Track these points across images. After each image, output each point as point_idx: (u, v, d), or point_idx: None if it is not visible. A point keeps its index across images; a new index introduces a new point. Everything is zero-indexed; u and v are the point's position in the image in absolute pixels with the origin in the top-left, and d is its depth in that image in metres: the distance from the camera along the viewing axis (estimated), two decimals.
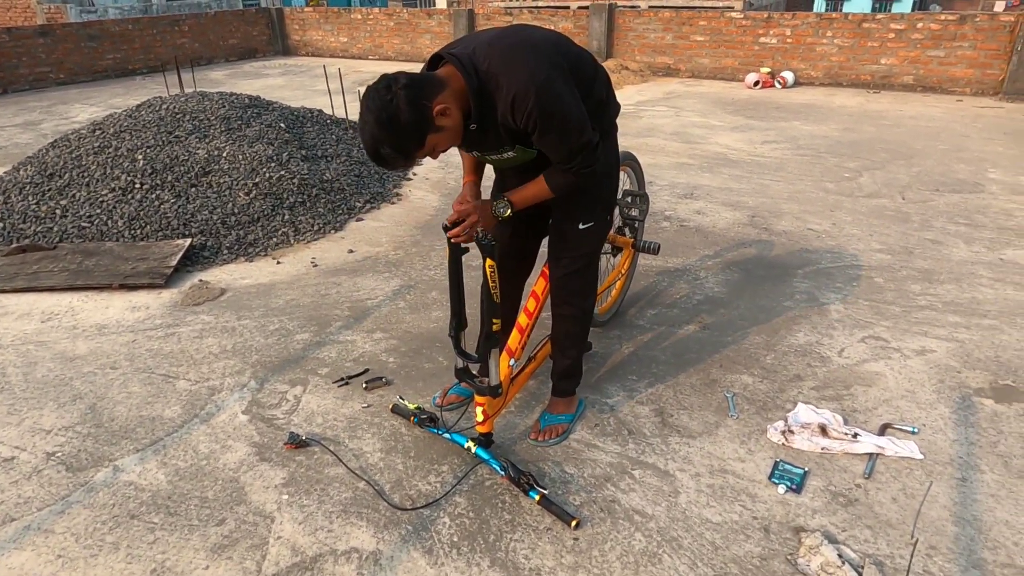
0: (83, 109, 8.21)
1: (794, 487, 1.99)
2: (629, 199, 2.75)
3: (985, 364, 2.59)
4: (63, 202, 4.07)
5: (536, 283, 2.28)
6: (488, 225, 1.89)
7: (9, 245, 3.76)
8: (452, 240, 1.88)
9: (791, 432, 2.19)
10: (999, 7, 29.12)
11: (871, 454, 2.11)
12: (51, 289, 3.35)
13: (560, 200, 2.00)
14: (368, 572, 1.75)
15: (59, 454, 2.21)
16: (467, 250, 1.94)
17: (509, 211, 1.90)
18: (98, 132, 4.64)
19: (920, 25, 8.02)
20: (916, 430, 2.23)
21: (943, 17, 7.95)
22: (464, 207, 1.87)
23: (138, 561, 1.80)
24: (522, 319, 2.24)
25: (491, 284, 1.89)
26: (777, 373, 2.57)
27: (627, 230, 2.81)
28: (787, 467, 2.07)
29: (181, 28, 11.76)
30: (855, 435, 2.16)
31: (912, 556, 1.75)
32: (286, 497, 2.01)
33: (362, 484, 2.05)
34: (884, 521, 1.87)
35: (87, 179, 4.20)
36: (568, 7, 10.81)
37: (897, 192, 4.57)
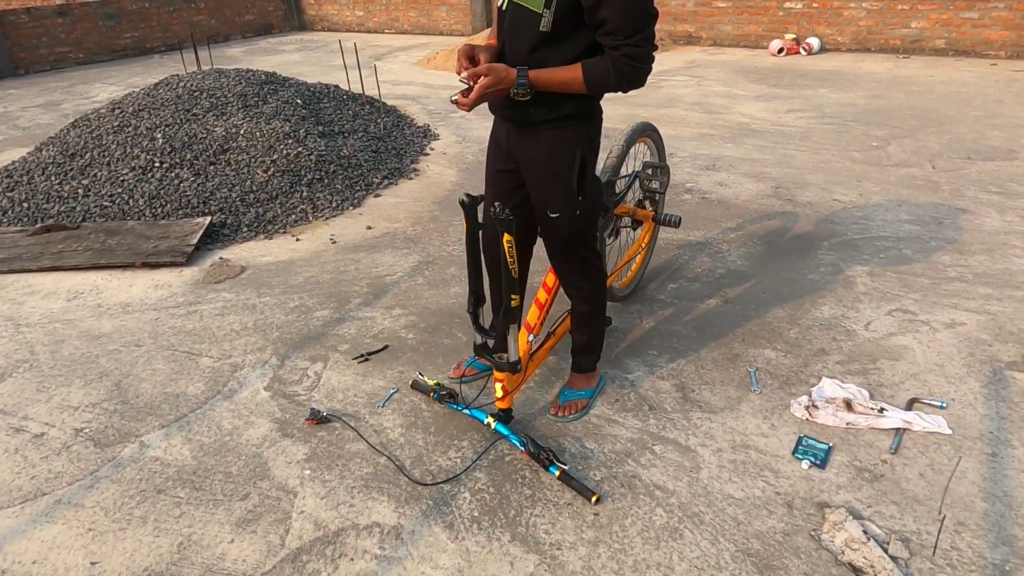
0: (103, 88, 8.26)
1: (818, 462, 1.96)
2: (650, 171, 2.69)
3: (1018, 337, 2.52)
4: (85, 182, 4.10)
5: None
6: (500, 92, 1.71)
7: (34, 225, 3.81)
8: (460, 104, 1.70)
9: (815, 407, 2.16)
10: None
11: (898, 429, 2.07)
12: (76, 268, 3.39)
13: (534, 182, 1.93)
14: (390, 546, 1.76)
15: (87, 430, 2.25)
16: (484, 225, 1.91)
17: (528, 92, 1.69)
18: (117, 111, 4.66)
19: None
20: (945, 404, 2.18)
21: None
22: (478, 68, 1.68)
23: (165, 535, 1.83)
24: (541, 295, 2.22)
25: (509, 259, 1.86)
26: (801, 347, 2.53)
27: (647, 203, 2.76)
28: (811, 442, 2.04)
29: (197, 5, 11.72)
30: (881, 410, 2.12)
31: (940, 532, 1.72)
32: (308, 472, 2.03)
33: (383, 459, 2.06)
34: (911, 497, 1.84)
35: (107, 159, 4.23)
36: None
37: (927, 161, 4.44)
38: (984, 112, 5.50)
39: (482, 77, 1.67)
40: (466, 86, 1.70)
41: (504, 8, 1.78)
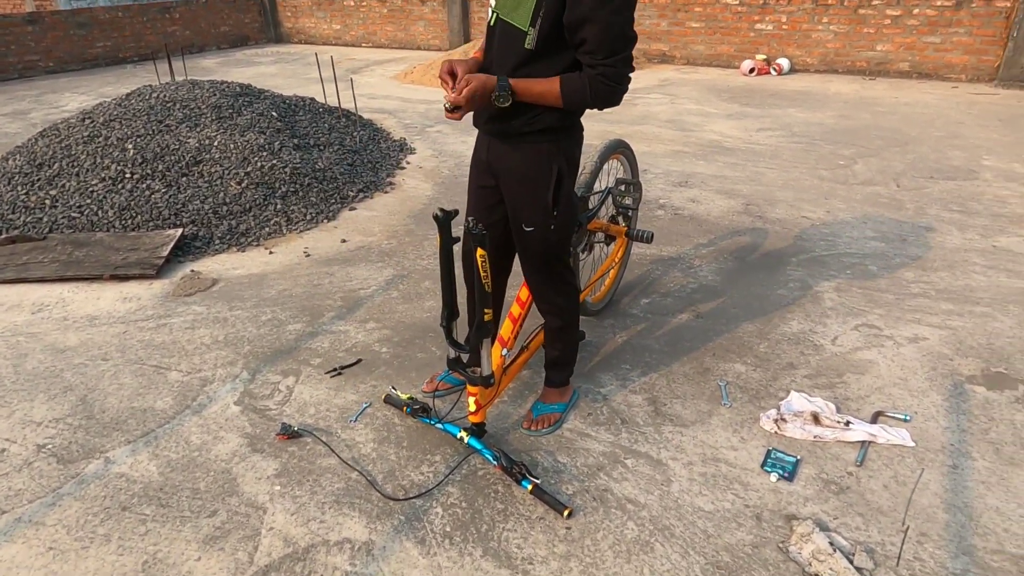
0: (73, 98, 8.13)
1: (786, 475, 2.00)
2: (623, 187, 2.73)
3: (978, 351, 2.60)
4: (53, 192, 4.03)
5: None
6: (481, 103, 1.76)
7: None
8: (450, 105, 1.73)
9: (784, 420, 2.20)
10: None
11: (863, 442, 2.11)
12: (41, 280, 3.32)
13: (510, 195, 1.96)
14: (361, 562, 1.75)
15: (50, 446, 2.20)
16: (458, 239, 1.92)
17: (509, 100, 1.74)
18: (88, 121, 4.59)
19: (916, 11, 7.98)
20: (908, 418, 2.23)
21: (939, 3, 7.90)
22: (460, 84, 1.72)
23: (130, 553, 1.79)
24: (514, 309, 2.23)
25: (482, 274, 1.87)
26: (770, 361, 2.57)
27: (620, 219, 2.79)
28: (780, 455, 2.07)
29: (172, 16, 11.63)
30: (847, 423, 2.17)
31: (903, 543, 1.76)
32: (278, 488, 2.00)
33: (355, 474, 2.05)
34: (875, 508, 1.88)
35: (77, 169, 4.16)
36: None
37: (892, 180, 4.57)
38: (946, 133, 5.68)
39: (466, 87, 1.70)
40: (452, 105, 1.73)
41: (493, 24, 1.81)
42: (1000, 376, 2.45)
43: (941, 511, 1.87)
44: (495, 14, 1.79)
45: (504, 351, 2.17)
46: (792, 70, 8.75)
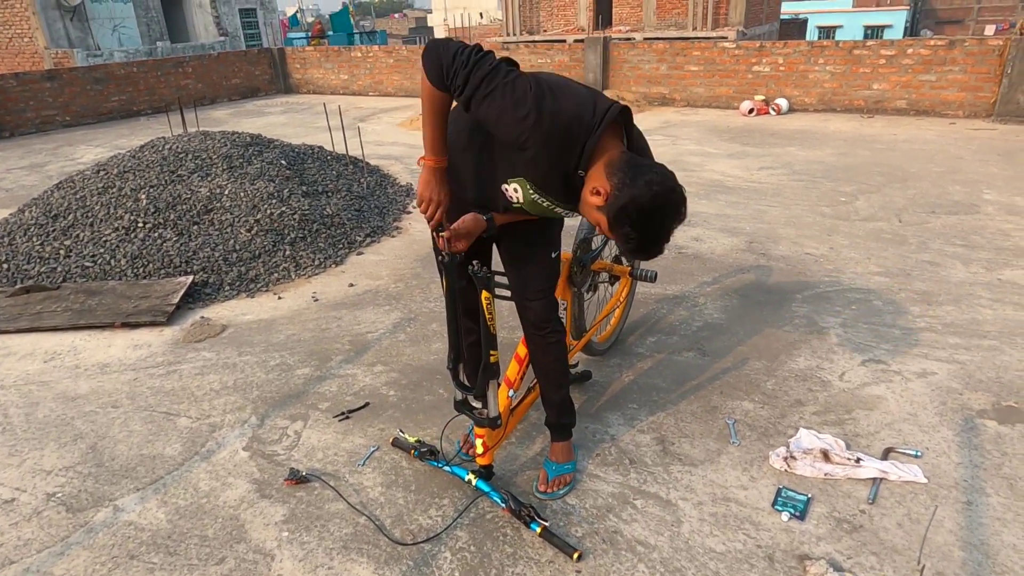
0: (88, 150, 8.34)
1: (798, 514, 1.97)
2: None
3: (987, 385, 2.59)
4: (67, 242, 4.11)
5: None
6: (470, 240, 1.85)
7: (13, 286, 3.79)
8: (443, 246, 1.81)
9: (793, 458, 2.18)
10: (989, 31, 29.58)
11: (875, 479, 2.09)
12: (54, 329, 3.37)
13: (512, 256, 2.05)
14: None
15: (59, 495, 2.21)
16: (464, 283, 1.95)
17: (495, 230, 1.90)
18: (102, 173, 4.71)
19: (910, 51, 8.15)
20: (920, 453, 2.21)
21: (932, 42, 8.08)
22: (467, 222, 1.83)
23: None
24: (520, 350, 2.24)
25: (487, 316, 1.90)
26: (778, 399, 2.57)
27: (624, 259, 2.83)
28: (790, 494, 2.06)
29: (184, 69, 12.00)
30: (858, 460, 2.15)
31: None
32: (286, 534, 2.00)
33: (363, 519, 2.04)
34: (890, 547, 1.85)
35: (91, 219, 4.26)
36: (564, 41, 11.02)
37: (893, 215, 4.60)
38: (946, 168, 5.74)
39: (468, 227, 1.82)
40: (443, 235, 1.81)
41: (518, 204, 1.83)
42: (1011, 410, 2.43)
43: (957, 549, 1.84)
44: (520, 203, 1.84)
45: (511, 392, 2.18)
46: (791, 110, 8.91)
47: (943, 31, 33.45)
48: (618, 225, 1.57)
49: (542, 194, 1.76)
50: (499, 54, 1.71)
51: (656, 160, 1.75)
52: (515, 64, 1.65)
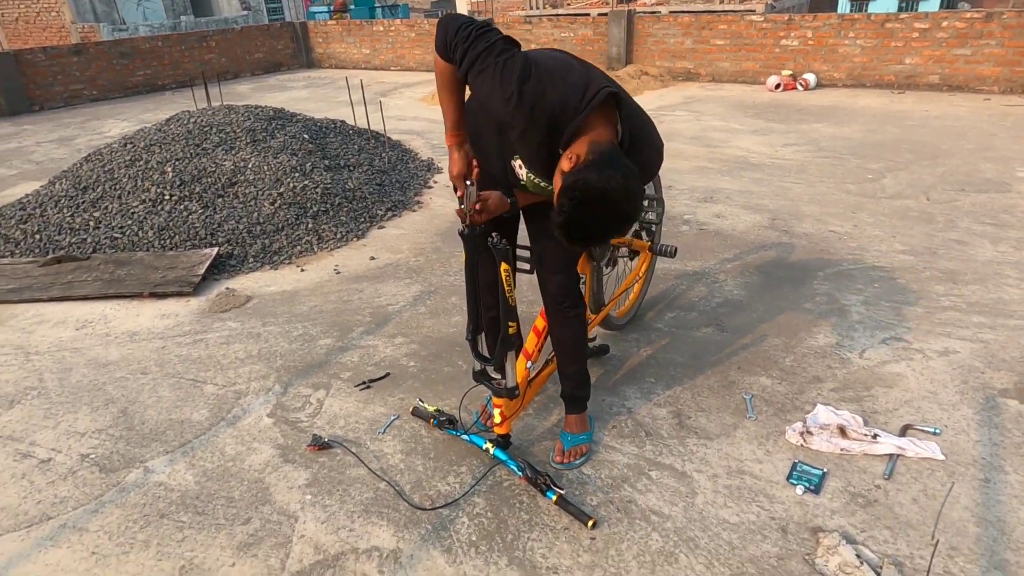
0: (115, 124, 8.46)
1: (812, 488, 1.99)
2: (645, 203, 2.77)
3: (1010, 365, 2.56)
4: (96, 214, 4.20)
5: None
6: (491, 216, 1.88)
7: (46, 256, 3.89)
8: (469, 221, 1.83)
9: (809, 433, 2.19)
10: None
11: (891, 455, 2.10)
12: (85, 298, 3.46)
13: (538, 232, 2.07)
14: (389, 570, 1.79)
15: (93, 456, 2.29)
16: (485, 256, 1.97)
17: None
18: (129, 146, 4.79)
19: (945, 24, 7.90)
20: (938, 431, 2.20)
21: (968, 15, 7.81)
22: (494, 198, 1.86)
23: (168, 558, 1.86)
24: (538, 322, 2.26)
25: (506, 288, 1.92)
26: (796, 375, 2.56)
27: (644, 234, 2.82)
28: (805, 468, 2.07)
29: (208, 44, 12.05)
30: (875, 436, 2.15)
31: (933, 557, 1.74)
32: (309, 497, 2.06)
33: (383, 485, 2.09)
34: (904, 522, 1.86)
35: (119, 192, 4.34)
36: (588, 14, 10.85)
37: (921, 193, 4.52)
38: (977, 145, 5.60)
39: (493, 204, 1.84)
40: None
41: (522, 182, 1.90)
42: None
43: (972, 525, 1.84)
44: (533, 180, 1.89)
45: (529, 363, 2.21)
46: (819, 85, 8.71)
47: (981, 4, 32.28)
48: (563, 194, 1.55)
49: (532, 171, 1.81)
50: (521, 28, 1.73)
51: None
52: (515, 44, 1.69)
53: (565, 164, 1.60)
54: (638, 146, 1.74)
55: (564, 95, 1.63)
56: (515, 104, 1.61)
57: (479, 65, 1.64)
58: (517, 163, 1.85)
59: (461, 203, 1.82)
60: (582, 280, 2.32)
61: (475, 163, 1.84)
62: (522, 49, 1.71)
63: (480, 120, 1.90)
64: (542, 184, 1.87)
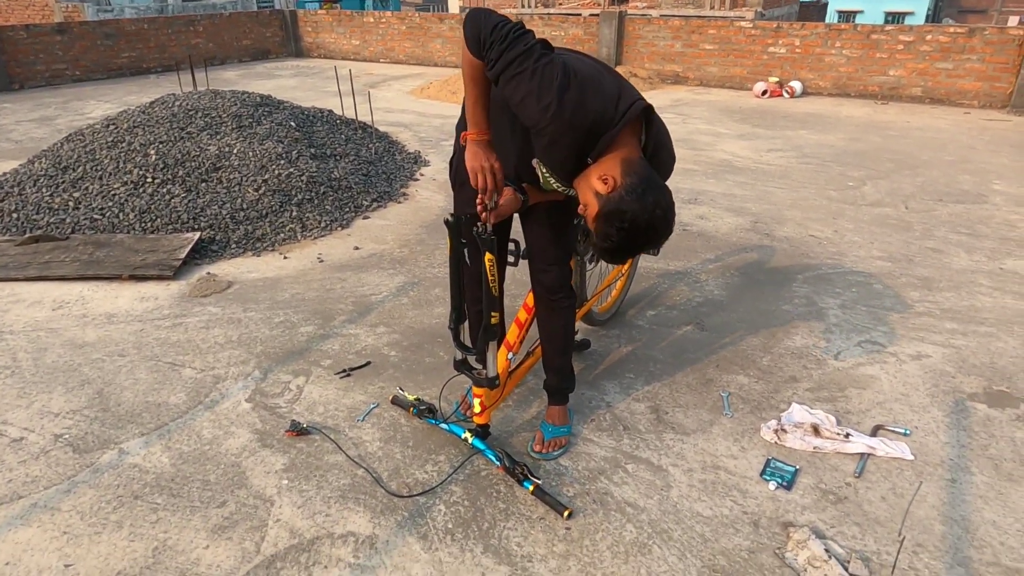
0: (98, 106, 8.33)
1: (785, 484, 2.02)
2: None
3: (980, 370, 2.62)
4: (76, 195, 4.14)
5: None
6: (505, 216, 1.91)
7: (23, 235, 3.83)
8: (485, 219, 1.83)
9: (784, 431, 2.22)
10: (1012, 22, 29.06)
11: (862, 454, 2.14)
12: (62, 278, 3.42)
13: (533, 228, 2.08)
14: (364, 555, 1.79)
15: (66, 436, 2.26)
16: (467, 245, 1.98)
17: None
18: (112, 127, 4.72)
19: (929, 37, 8.04)
20: (908, 432, 2.25)
21: (952, 30, 7.96)
22: (506, 197, 1.87)
23: (140, 539, 1.84)
24: (521, 314, 2.28)
25: (490, 278, 1.93)
26: (773, 374, 2.60)
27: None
28: (779, 465, 2.10)
29: (196, 28, 11.90)
30: (847, 435, 2.19)
31: (899, 552, 1.78)
32: (286, 482, 2.05)
33: (360, 471, 2.09)
34: (872, 519, 1.90)
35: (100, 173, 4.28)
36: (580, 15, 10.88)
37: (900, 201, 4.60)
38: (957, 157, 5.71)
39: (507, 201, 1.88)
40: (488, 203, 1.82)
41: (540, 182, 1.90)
42: (1002, 394, 2.47)
43: (938, 523, 1.89)
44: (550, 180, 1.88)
45: (510, 355, 2.22)
46: (804, 93, 8.82)
47: (966, 20, 32.83)
48: (606, 222, 1.61)
49: (552, 175, 1.81)
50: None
51: (670, 136, 1.81)
52: (550, 48, 1.65)
53: (599, 186, 1.62)
54: (660, 156, 1.77)
55: (601, 106, 1.62)
56: (554, 113, 1.58)
57: (515, 68, 1.59)
58: (534, 161, 1.84)
59: (474, 204, 1.81)
60: None
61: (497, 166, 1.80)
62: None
63: (494, 115, 1.84)
64: (559, 187, 1.85)
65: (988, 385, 2.52)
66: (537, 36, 1.66)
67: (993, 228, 4.09)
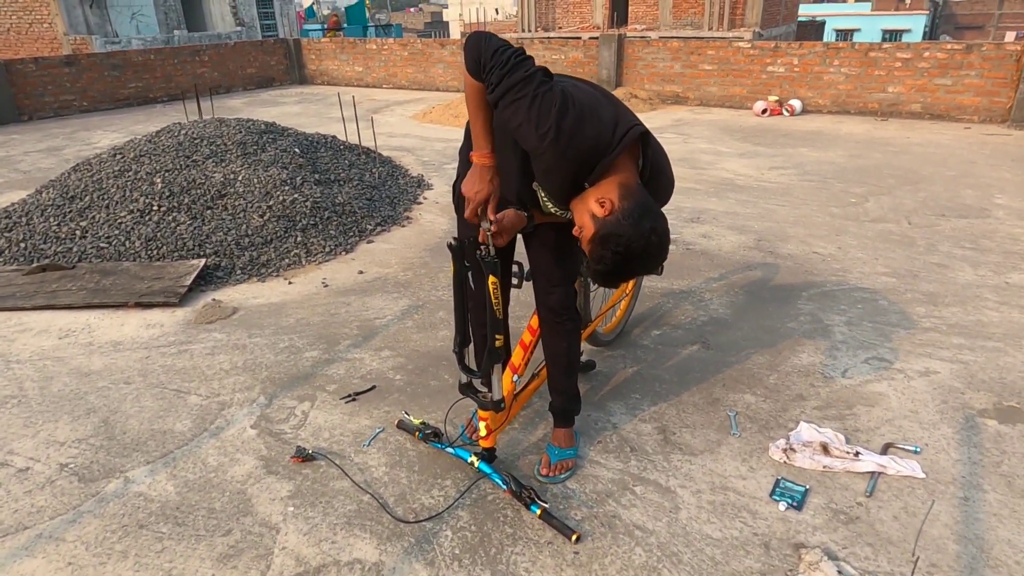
0: (105, 135, 8.44)
1: (795, 504, 2.00)
2: None
3: (989, 385, 2.60)
4: (83, 223, 4.18)
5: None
6: (511, 235, 1.92)
7: (30, 264, 3.86)
8: (485, 240, 1.85)
9: (792, 450, 2.20)
10: (1009, 37, 29.27)
11: (873, 472, 2.11)
12: (69, 307, 3.43)
13: (538, 255, 2.09)
14: None
15: (72, 465, 2.26)
16: (470, 268, 1.99)
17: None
18: (118, 156, 4.78)
19: (927, 54, 8.11)
20: (919, 449, 2.23)
21: (949, 46, 8.03)
22: (509, 216, 1.88)
23: (146, 569, 1.83)
24: (525, 336, 2.28)
25: (494, 301, 1.93)
26: (780, 393, 2.59)
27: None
28: (788, 485, 2.08)
29: (201, 58, 12.09)
30: (857, 454, 2.17)
31: (913, 573, 1.75)
32: (292, 509, 2.04)
33: (366, 497, 2.08)
34: (885, 539, 1.87)
35: (107, 201, 4.32)
36: (579, 38, 11.01)
37: (903, 217, 4.60)
38: (958, 172, 5.72)
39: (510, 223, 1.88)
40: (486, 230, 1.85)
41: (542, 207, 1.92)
42: (1012, 410, 2.44)
43: (952, 542, 1.86)
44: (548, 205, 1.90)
45: (515, 377, 2.22)
46: (804, 111, 8.88)
47: (963, 37, 33.09)
48: (602, 245, 1.62)
49: (549, 198, 1.83)
50: None
51: (669, 160, 1.86)
52: (550, 76, 1.67)
53: (597, 209, 1.63)
54: (657, 179, 1.79)
55: (599, 131, 1.63)
56: (551, 139, 1.59)
57: (513, 94, 1.60)
58: (534, 184, 1.86)
59: (477, 228, 1.84)
60: None
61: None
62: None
63: (498, 137, 1.84)
64: (556, 211, 1.87)
65: (998, 401, 2.50)
66: (538, 61, 1.68)
67: (997, 242, 4.08)
